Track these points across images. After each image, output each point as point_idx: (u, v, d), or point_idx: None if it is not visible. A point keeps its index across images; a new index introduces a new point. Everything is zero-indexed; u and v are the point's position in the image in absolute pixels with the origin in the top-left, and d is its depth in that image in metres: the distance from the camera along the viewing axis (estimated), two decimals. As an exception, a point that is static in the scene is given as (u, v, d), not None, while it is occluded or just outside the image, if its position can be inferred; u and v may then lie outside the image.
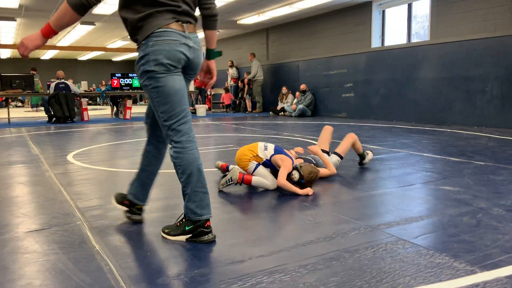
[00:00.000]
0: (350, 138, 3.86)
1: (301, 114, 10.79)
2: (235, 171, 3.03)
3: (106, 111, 14.97)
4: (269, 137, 6.40)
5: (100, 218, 2.46)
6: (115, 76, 11.25)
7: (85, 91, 13.27)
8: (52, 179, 3.56)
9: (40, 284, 1.63)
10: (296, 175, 2.99)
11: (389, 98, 9.10)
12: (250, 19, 11.32)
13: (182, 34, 1.98)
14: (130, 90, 11.40)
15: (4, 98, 14.45)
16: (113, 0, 9.16)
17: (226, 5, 9.64)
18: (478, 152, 4.63)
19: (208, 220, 2.06)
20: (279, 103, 11.76)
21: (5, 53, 20.72)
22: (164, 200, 2.86)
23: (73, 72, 22.71)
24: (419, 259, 1.81)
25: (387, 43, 9.56)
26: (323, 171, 3.36)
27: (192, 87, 12.36)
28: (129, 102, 11.09)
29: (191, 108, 13.56)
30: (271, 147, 3.17)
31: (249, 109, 12.92)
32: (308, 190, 2.92)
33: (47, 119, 9.98)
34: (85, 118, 10.48)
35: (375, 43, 9.52)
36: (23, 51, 1.94)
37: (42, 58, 22.45)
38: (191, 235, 2.06)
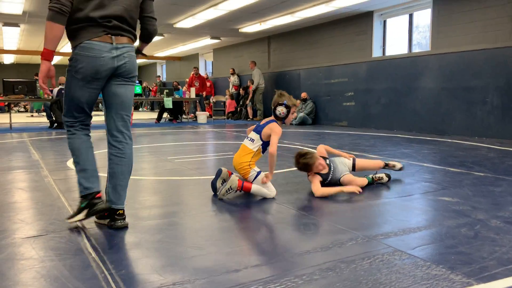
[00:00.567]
0: (376, 163, 3.73)
1: (302, 123, 10.81)
2: (234, 179, 3.03)
3: (107, 117, 14.98)
4: (269, 145, 6.40)
5: (97, 226, 2.45)
6: (117, 82, 11.28)
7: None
8: (51, 185, 3.57)
9: (35, 291, 1.63)
10: (283, 109, 3.12)
11: (389, 108, 9.11)
12: (252, 27, 11.39)
13: (108, 47, 2.24)
14: (132, 97, 11.43)
15: (6, 103, 14.52)
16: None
17: (228, 13, 9.70)
18: (478, 163, 4.62)
19: (98, 192, 2.33)
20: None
21: (9, 59, 20.85)
22: (161, 208, 2.86)
23: (76, 78, 22.75)
24: (415, 270, 1.80)
25: (388, 52, 9.60)
26: (356, 181, 3.36)
27: (193, 94, 12.40)
28: (130, 109, 11.10)
29: (192, 115, 13.60)
30: (253, 134, 3.19)
31: (251, 117, 12.95)
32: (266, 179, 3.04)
33: (49, 124, 10.01)
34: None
35: (376, 53, 9.56)
36: (42, 88, 2.24)
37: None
38: (87, 209, 2.31)
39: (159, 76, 20.85)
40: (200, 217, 2.68)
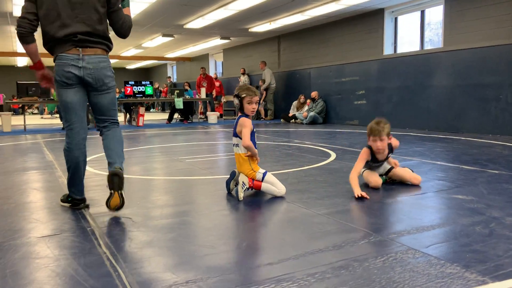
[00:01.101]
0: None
1: (313, 122, 10.77)
2: (243, 176, 3.06)
3: (119, 118, 15.13)
4: (279, 144, 6.40)
5: (111, 224, 2.48)
6: (128, 83, 11.40)
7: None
8: (65, 185, 3.61)
9: (50, 289, 1.65)
10: (235, 100, 3.18)
11: (401, 106, 9.03)
12: (261, 27, 11.38)
13: (74, 58, 2.64)
14: (143, 98, 11.52)
15: (20, 105, 14.74)
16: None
17: (238, 13, 9.71)
18: (492, 160, 4.55)
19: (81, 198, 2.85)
20: (293, 111, 11.71)
21: (22, 61, 21.17)
22: (173, 207, 2.88)
23: (88, 80, 23.00)
24: (429, 269, 1.78)
25: (400, 50, 9.51)
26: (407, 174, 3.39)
27: (203, 94, 12.45)
28: (142, 110, 11.20)
29: (201, 114, 13.65)
30: (234, 139, 3.19)
31: (263, 116, 12.94)
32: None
33: (62, 126, 10.15)
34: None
35: (388, 50, 9.48)
36: (50, 87, 2.93)
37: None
38: (71, 204, 2.84)
39: (169, 77, 20.97)
40: (212, 216, 2.69)
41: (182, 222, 2.52)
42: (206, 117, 12.82)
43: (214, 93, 13.84)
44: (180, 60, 19.69)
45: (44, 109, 18.02)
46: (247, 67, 14.34)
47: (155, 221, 2.54)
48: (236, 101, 3.19)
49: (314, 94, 11.11)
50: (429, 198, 3.03)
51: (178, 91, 11.82)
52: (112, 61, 20.74)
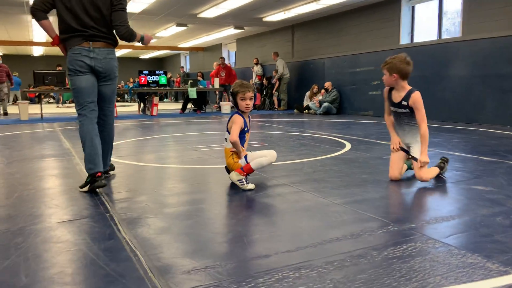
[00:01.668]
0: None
1: (326, 112, 10.70)
2: (233, 175, 3.03)
3: (133, 107, 15.25)
4: (293, 134, 6.38)
5: (129, 211, 2.51)
6: (142, 73, 11.44)
7: (113, 88, 13.53)
8: (83, 172, 3.65)
9: (72, 272, 1.68)
10: (230, 98, 3.22)
11: (417, 96, 8.89)
12: (276, 16, 11.29)
13: (86, 49, 3.04)
14: (157, 87, 11.57)
15: (37, 94, 14.93)
16: (142, -2, 9.29)
17: (252, 2, 9.64)
18: (511, 151, 4.47)
19: (99, 172, 2.96)
20: (307, 101, 11.64)
21: (38, 51, 21.41)
22: (189, 195, 2.89)
23: (102, 70, 23.18)
24: (450, 258, 1.76)
25: (416, 39, 9.34)
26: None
27: (216, 84, 12.44)
28: (155, 99, 11.26)
29: (216, 105, 13.66)
30: (226, 134, 3.17)
31: (276, 107, 12.89)
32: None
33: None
34: (114, 115, 10.71)
35: (404, 40, 9.33)
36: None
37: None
38: (90, 184, 2.94)
39: (182, 67, 21.00)
40: (228, 204, 2.69)
41: (198, 209, 2.53)
42: (219, 107, 12.82)
43: (231, 83, 13.80)
44: (193, 50, 19.68)
45: (60, 98, 18.22)
46: (261, 57, 14.27)
47: (172, 208, 2.56)
48: (230, 98, 3.21)
49: (327, 84, 11.02)
50: (447, 188, 2.99)
51: (191, 81, 11.83)
52: (126, 50, 20.90)
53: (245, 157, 3.11)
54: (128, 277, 1.63)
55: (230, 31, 13.95)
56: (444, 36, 8.83)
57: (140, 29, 12.94)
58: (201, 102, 12.44)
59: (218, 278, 1.60)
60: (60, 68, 15.70)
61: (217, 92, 13.93)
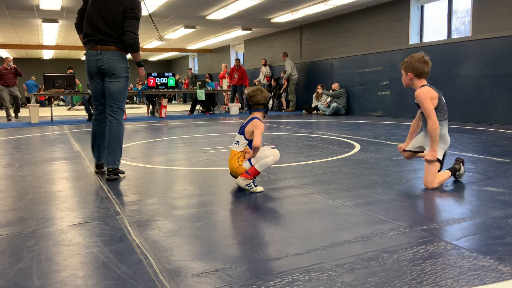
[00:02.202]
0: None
1: (335, 113, 10.67)
2: (239, 180, 3.01)
3: (142, 109, 15.35)
4: (302, 135, 6.36)
5: (139, 213, 2.52)
6: (151, 75, 11.52)
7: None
8: (93, 174, 3.69)
9: (84, 275, 1.69)
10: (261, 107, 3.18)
11: (427, 96, 8.82)
12: (283, 17, 11.29)
13: (95, 53, 3.41)
14: (166, 89, 11.63)
15: (47, 97, 15.08)
16: (151, 1, 9.36)
17: (260, 3, 9.65)
18: (523, 152, 4.42)
19: (101, 162, 3.72)
20: (314, 102, 11.63)
21: (48, 54, 21.64)
22: (199, 197, 2.90)
23: (111, 72, 23.34)
24: (462, 261, 1.74)
25: (426, 39, 9.27)
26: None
27: (225, 86, 12.46)
28: (164, 101, 11.32)
29: (224, 107, 13.68)
30: (238, 136, 3.15)
31: (285, 108, 12.88)
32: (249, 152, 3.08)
33: (87, 117, 10.35)
34: (124, 112, 10.79)
35: (413, 40, 9.27)
36: None
37: (82, 58, 23.28)
38: (96, 168, 3.73)
39: (190, 69, 21.08)
40: (237, 206, 2.70)
41: (208, 211, 2.54)
42: (228, 108, 12.84)
43: (243, 85, 13.78)
44: (201, 51, 19.75)
45: (70, 101, 18.39)
46: (269, 58, 14.27)
47: (182, 210, 2.57)
48: (244, 99, 3.21)
49: (335, 85, 11.00)
50: (458, 190, 2.96)
51: (200, 83, 11.88)
52: (135, 53, 20.97)
53: (249, 160, 3.10)
54: (139, 279, 1.64)
55: (238, 32, 13.98)
56: (454, 35, 8.76)
57: (149, 31, 13.04)
58: (210, 103, 12.49)
59: (228, 281, 1.60)
60: (71, 70, 15.84)
61: (227, 93, 13.92)
